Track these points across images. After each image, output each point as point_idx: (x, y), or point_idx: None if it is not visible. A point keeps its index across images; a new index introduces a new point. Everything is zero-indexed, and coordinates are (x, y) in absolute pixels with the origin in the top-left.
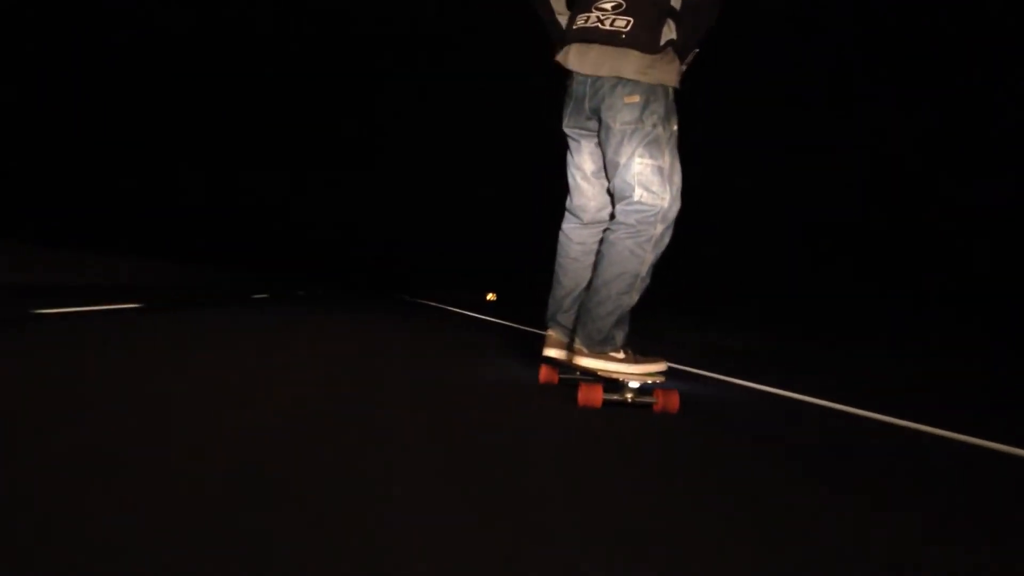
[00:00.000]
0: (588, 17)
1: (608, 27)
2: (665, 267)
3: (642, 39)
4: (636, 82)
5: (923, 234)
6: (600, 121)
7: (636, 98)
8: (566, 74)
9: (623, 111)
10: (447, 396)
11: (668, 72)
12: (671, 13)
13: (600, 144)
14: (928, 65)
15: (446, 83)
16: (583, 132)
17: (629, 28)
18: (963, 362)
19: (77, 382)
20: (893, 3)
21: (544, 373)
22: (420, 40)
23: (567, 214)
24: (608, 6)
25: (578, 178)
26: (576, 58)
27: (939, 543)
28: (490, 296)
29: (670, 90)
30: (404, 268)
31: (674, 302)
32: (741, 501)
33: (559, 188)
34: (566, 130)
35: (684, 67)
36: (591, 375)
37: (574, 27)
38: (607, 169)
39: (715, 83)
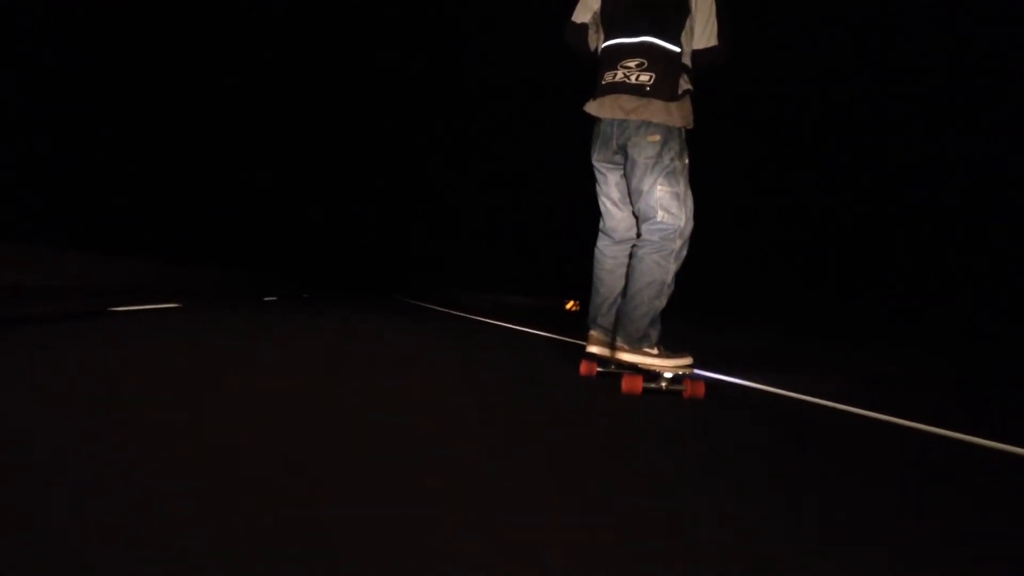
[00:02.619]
0: (616, 74)
1: (634, 81)
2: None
3: (663, 91)
4: (658, 124)
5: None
6: (626, 156)
7: (657, 137)
8: (594, 119)
9: (647, 148)
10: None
11: (684, 116)
12: (686, 69)
13: (625, 175)
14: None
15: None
16: (610, 165)
17: (652, 82)
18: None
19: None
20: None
21: (584, 367)
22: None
23: (600, 234)
24: (632, 64)
25: (608, 205)
26: (609, 107)
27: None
28: (570, 305)
29: (683, 131)
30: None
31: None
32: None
33: (590, 214)
34: (595, 163)
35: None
36: (631, 368)
37: (603, 82)
38: (631, 196)
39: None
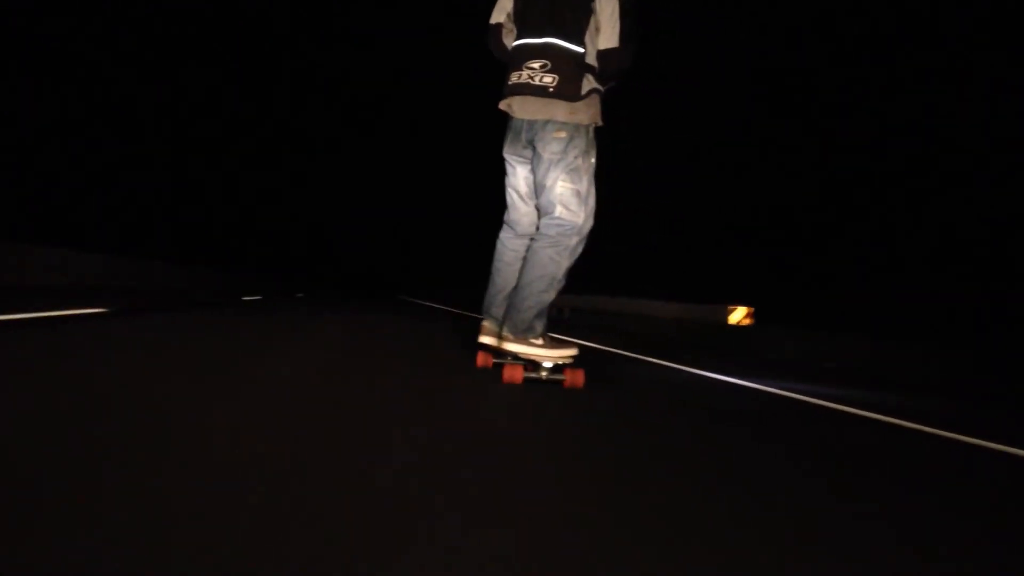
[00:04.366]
0: (520, 75)
1: (537, 82)
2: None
3: (567, 92)
4: (564, 122)
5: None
6: (534, 150)
7: (563, 134)
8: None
9: (552, 143)
10: (404, 378)
11: (590, 115)
12: (589, 68)
13: (532, 170)
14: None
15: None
16: (519, 159)
17: (555, 84)
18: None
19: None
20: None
21: (481, 358)
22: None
23: (504, 226)
24: (536, 65)
25: (514, 197)
26: (518, 107)
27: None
28: (739, 315)
29: (591, 128)
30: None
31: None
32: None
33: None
34: (505, 155)
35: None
36: (516, 357)
37: (509, 82)
38: (536, 190)
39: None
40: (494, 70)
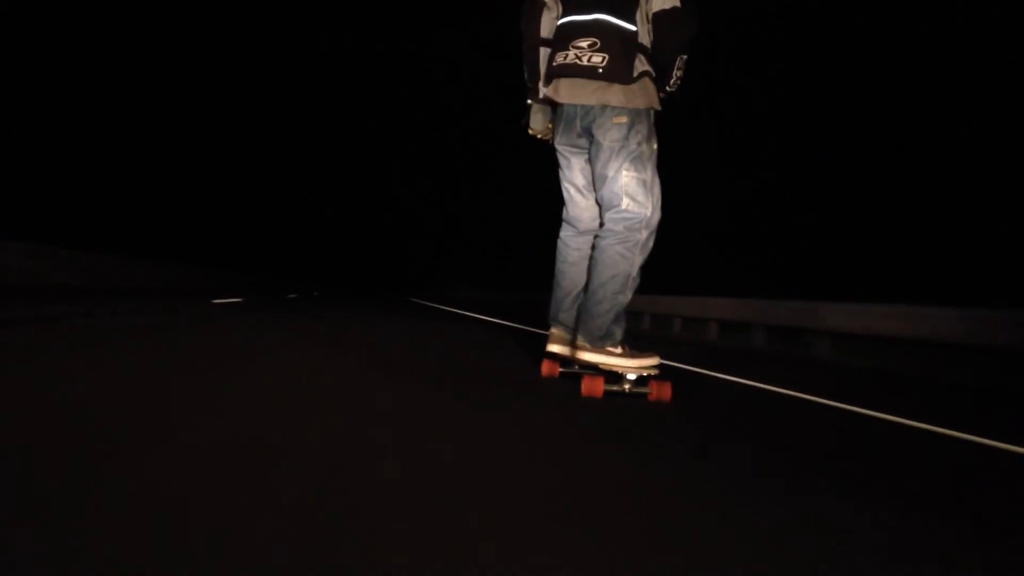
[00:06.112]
0: (567, 55)
1: (586, 63)
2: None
3: (616, 73)
4: (622, 107)
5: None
6: (592, 138)
7: (624, 119)
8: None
9: (612, 130)
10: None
11: (648, 98)
12: (641, 48)
13: (590, 160)
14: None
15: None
16: (573, 149)
17: (605, 63)
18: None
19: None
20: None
21: (546, 367)
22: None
23: (564, 224)
24: (584, 44)
25: (572, 191)
26: (566, 91)
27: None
28: None
29: (652, 113)
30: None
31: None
32: (721, 484)
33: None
34: (558, 147)
35: (670, 89)
36: (592, 368)
37: (554, 64)
38: (595, 182)
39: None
40: (516, 60)
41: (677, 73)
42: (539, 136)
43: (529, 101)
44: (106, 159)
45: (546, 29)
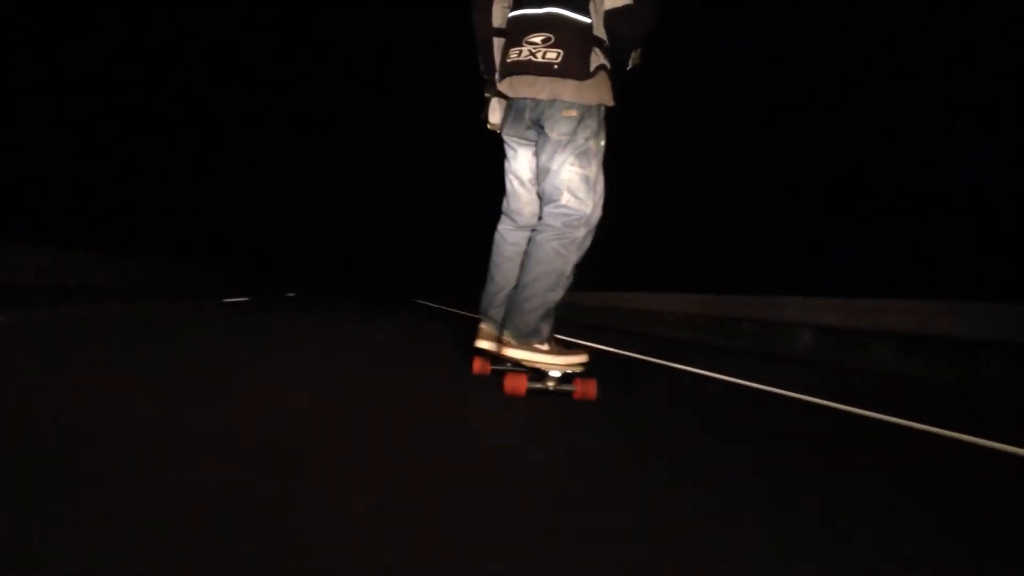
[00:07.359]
0: (520, 51)
1: (540, 59)
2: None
3: (573, 69)
4: (573, 102)
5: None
6: (540, 131)
7: (574, 112)
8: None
9: (561, 123)
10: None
11: (600, 94)
12: (597, 42)
13: (536, 152)
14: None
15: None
16: (521, 141)
17: (560, 60)
18: None
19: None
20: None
21: (477, 364)
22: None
23: (503, 216)
24: (538, 39)
25: (515, 184)
26: (519, 86)
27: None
28: None
29: (603, 108)
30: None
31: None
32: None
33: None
34: (505, 137)
35: (629, 69)
36: (519, 365)
37: (508, 60)
38: (538, 175)
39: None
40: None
41: (634, 61)
42: (499, 131)
43: (487, 95)
44: (108, 160)
45: (498, 19)
